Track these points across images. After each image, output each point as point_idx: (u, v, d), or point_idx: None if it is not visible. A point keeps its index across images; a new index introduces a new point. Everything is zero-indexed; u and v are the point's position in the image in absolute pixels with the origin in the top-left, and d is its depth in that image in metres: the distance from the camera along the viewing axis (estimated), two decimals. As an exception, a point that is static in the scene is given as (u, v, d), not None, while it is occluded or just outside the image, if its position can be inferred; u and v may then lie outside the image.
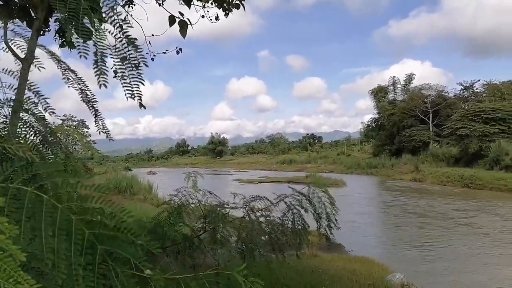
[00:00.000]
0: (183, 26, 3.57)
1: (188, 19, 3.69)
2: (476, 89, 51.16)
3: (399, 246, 12.31)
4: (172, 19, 3.55)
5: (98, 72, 1.61)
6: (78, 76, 2.20)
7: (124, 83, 1.72)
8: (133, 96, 1.74)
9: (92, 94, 2.25)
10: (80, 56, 1.56)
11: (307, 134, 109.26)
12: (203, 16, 4.50)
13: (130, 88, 1.73)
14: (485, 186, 26.12)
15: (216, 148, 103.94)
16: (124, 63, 1.69)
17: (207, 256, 2.47)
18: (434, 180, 31.85)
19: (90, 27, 1.69)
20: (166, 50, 4.65)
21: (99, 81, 1.62)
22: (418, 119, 49.78)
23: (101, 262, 1.25)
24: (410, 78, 56.44)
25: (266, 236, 2.58)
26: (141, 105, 1.81)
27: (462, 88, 52.53)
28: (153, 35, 4.41)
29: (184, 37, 3.59)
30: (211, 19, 4.56)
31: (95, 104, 2.28)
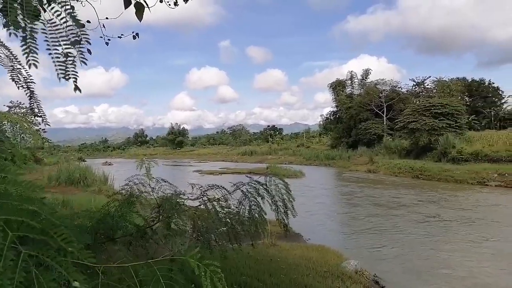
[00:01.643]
0: (140, 8, 3.39)
1: (145, 1, 3.52)
2: (427, 85, 54.24)
3: (354, 234, 12.81)
4: (127, 1, 3.36)
5: (27, 51, 1.44)
6: (11, 51, 1.98)
7: (58, 61, 1.56)
8: (67, 77, 1.59)
9: (28, 75, 2.05)
10: (10, 34, 1.38)
11: (268, 126, 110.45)
12: (161, 1, 4.34)
13: (63, 67, 1.57)
14: (433, 177, 27.78)
15: (176, 139, 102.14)
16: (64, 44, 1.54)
17: (161, 246, 2.40)
18: (387, 172, 33.41)
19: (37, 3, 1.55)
20: (122, 35, 4.43)
21: (28, 60, 1.45)
22: (373, 113, 51.86)
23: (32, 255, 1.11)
24: (366, 73, 58.48)
25: (223, 225, 2.55)
26: (76, 87, 1.65)
27: (414, 84, 55.45)
28: (107, 18, 4.17)
29: (140, 20, 3.42)
30: (169, 4, 4.40)
31: (30, 85, 2.08)
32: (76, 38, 1.58)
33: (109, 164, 53.08)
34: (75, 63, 1.57)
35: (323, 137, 75.27)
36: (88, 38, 1.68)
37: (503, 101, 60.23)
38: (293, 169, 35.29)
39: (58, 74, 1.56)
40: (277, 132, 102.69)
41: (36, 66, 1.47)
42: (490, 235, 12.11)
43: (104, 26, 4.20)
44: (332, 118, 63.43)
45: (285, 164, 46.14)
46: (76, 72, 1.58)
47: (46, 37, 1.51)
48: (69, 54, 1.57)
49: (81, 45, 1.64)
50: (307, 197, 20.43)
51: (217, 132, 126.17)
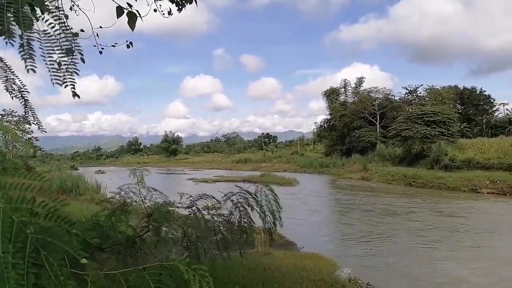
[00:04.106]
0: (132, 18, 3.43)
1: (137, 11, 3.55)
2: (420, 93, 54.84)
3: (348, 242, 12.81)
4: (119, 10, 3.39)
5: (25, 56, 1.48)
6: (4, 62, 2.02)
7: (52, 68, 1.59)
8: (62, 84, 1.62)
9: (22, 84, 2.09)
10: (6, 43, 1.43)
11: (262, 133, 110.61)
12: (155, 10, 4.38)
13: (58, 75, 1.60)
14: (426, 185, 27.96)
15: (170, 147, 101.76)
16: (58, 48, 1.59)
17: (150, 255, 2.40)
18: (380, 179, 33.56)
19: (31, 15, 1.58)
20: (116, 43, 4.46)
21: (27, 66, 1.49)
22: (367, 121, 52.24)
23: (32, 251, 1.21)
24: (360, 81, 59.01)
25: (212, 234, 2.56)
26: (74, 94, 1.69)
27: (407, 92, 56.00)
28: (101, 27, 4.20)
29: (132, 29, 3.46)
30: (163, 14, 4.45)
31: (24, 95, 2.12)
32: (69, 47, 1.62)
33: (102, 173, 52.63)
34: (70, 71, 1.61)
35: (317, 144, 75.56)
36: (81, 50, 1.71)
37: (494, 108, 61.11)
38: (287, 177, 35.32)
39: (52, 81, 1.60)
40: (272, 140, 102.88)
41: (34, 71, 1.50)
42: (483, 243, 12.19)
43: (97, 35, 4.23)
44: (326, 126, 63.72)
45: (279, 171, 46.17)
46: (74, 79, 1.62)
47: (40, 45, 1.57)
48: (62, 63, 1.61)
49: (73, 56, 1.67)
50: (301, 205, 20.42)
51: (211, 140, 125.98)
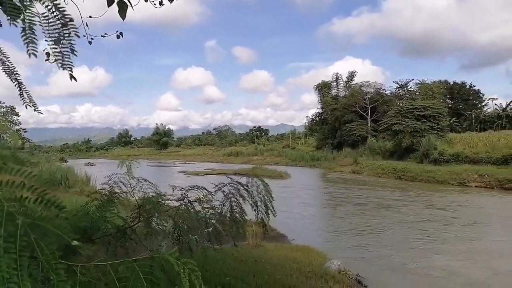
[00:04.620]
0: (122, 7, 3.36)
1: (129, 0, 3.49)
2: (410, 87, 55.26)
3: (338, 235, 12.93)
4: (110, -1, 3.32)
5: (27, 41, 1.55)
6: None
7: (55, 52, 1.68)
8: (63, 67, 1.71)
9: (13, 66, 2.12)
10: (10, 24, 1.49)
11: (254, 126, 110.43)
12: (146, 0, 4.32)
13: (60, 58, 1.68)
14: (415, 178, 28.30)
15: (161, 140, 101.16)
16: (58, 38, 1.66)
17: (141, 247, 2.38)
18: (370, 172, 33.86)
19: (19, 4, 1.60)
20: (106, 34, 4.39)
21: (28, 50, 1.56)
22: (358, 115, 52.53)
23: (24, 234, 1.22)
24: (352, 75, 59.20)
25: (204, 226, 2.54)
26: (71, 76, 1.76)
27: (398, 86, 56.37)
28: (90, 16, 4.12)
29: (123, 19, 3.39)
30: (154, 4, 4.39)
31: (18, 76, 2.14)
32: (66, 30, 1.71)
33: (92, 165, 52.16)
34: (69, 54, 1.73)
35: (308, 138, 75.80)
36: (77, 31, 1.80)
37: (483, 103, 62.00)
38: (278, 170, 35.43)
39: (57, 63, 1.71)
40: (263, 133, 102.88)
41: (35, 55, 1.56)
42: (471, 234, 12.40)
43: (87, 25, 4.15)
44: (317, 119, 63.94)
45: (271, 165, 46.28)
46: (71, 62, 1.73)
47: (42, 29, 1.66)
48: (61, 45, 1.71)
49: (70, 38, 1.78)
50: (292, 198, 20.52)
51: (203, 132, 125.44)
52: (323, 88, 60.77)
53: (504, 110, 57.51)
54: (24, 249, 1.18)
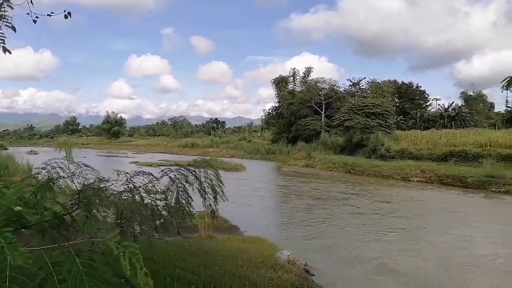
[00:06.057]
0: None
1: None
2: (362, 85, 57.58)
3: (289, 226, 13.23)
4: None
5: None
6: None
7: None
8: None
9: None
10: None
11: (211, 118, 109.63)
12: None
13: None
14: (364, 172, 29.66)
15: (112, 129, 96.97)
16: None
17: (80, 233, 2.26)
18: (322, 166, 34.95)
19: None
20: (52, 13, 4.08)
21: None
22: (313, 110, 53.85)
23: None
24: (308, 71, 60.41)
25: (149, 211, 2.46)
26: (5, 49, 1.63)
27: (351, 84, 58.54)
28: (36, -6, 3.80)
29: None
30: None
31: None
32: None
33: (35, 153, 48.80)
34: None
35: (265, 131, 76.58)
36: (10, 3, 1.67)
37: (428, 103, 66.33)
38: (234, 163, 35.44)
39: None
40: (220, 125, 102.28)
41: None
42: (413, 225, 13.27)
43: (32, 2, 3.81)
44: (274, 113, 64.63)
45: (227, 157, 46.16)
46: (3, 34, 1.60)
47: None
48: None
49: (2, 9, 1.65)
50: (247, 190, 20.66)
51: (157, 123, 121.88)
52: (280, 83, 61.48)
53: (446, 110, 61.88)
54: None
